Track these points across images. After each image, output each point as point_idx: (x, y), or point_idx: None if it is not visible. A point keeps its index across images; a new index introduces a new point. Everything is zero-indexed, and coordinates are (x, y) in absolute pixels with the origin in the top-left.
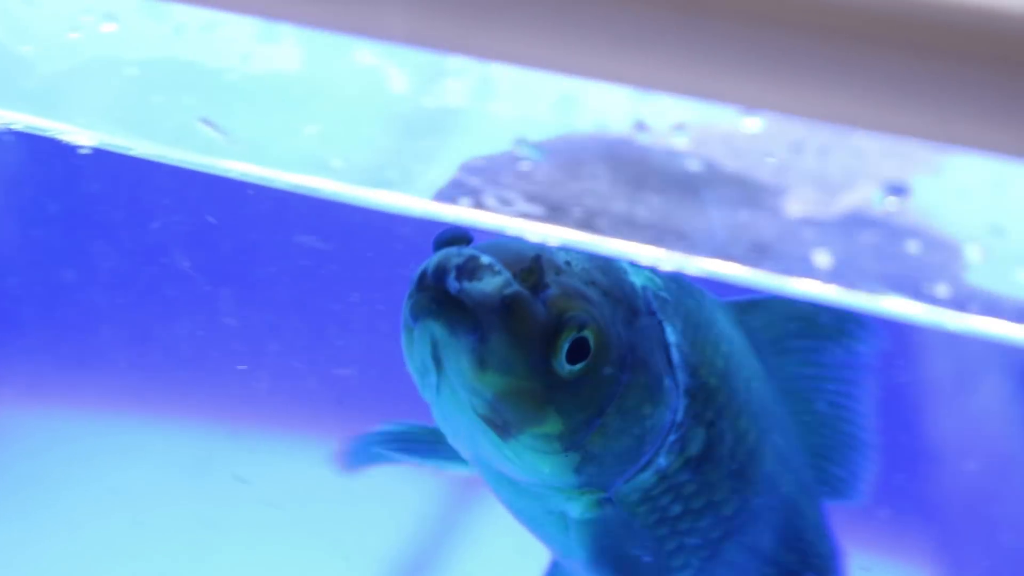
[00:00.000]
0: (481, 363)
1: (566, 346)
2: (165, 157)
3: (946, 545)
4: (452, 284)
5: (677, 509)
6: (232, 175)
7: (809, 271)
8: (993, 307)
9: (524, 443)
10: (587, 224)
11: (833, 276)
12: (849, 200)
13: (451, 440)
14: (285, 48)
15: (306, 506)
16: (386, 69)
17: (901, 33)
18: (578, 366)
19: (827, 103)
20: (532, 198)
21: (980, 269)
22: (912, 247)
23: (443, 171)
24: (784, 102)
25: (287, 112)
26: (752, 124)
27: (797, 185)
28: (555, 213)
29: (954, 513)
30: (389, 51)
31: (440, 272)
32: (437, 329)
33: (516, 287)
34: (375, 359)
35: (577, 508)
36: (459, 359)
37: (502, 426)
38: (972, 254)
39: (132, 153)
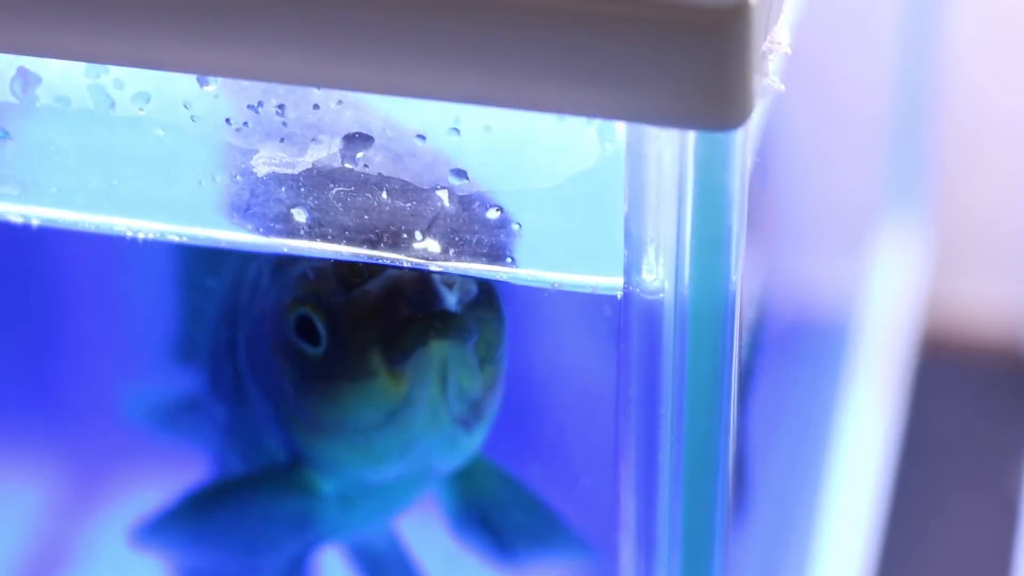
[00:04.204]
0: (481, 362)
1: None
2: None
3: (570, 494)
4: (447, 301)
5: None
6: None
7: (291, 230)
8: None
9: (480, 428)
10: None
11: (311, 233)
12: (315, 155)
13: (381, 470)
14: None
15: None
16: None
17: None
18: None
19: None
20: (4, 180)
21: (452, 213)
22: (384, 196)
23: None
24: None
25: None
26: (211, 89)
27: (263, 144)
28: (29, 192)
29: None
30: None
31: (428, 295)
32: (447, 347)
33: (473, 287)
34: None
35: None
36: (463, 367)
37: (473, 419)
38: (442, 199)
39: None
